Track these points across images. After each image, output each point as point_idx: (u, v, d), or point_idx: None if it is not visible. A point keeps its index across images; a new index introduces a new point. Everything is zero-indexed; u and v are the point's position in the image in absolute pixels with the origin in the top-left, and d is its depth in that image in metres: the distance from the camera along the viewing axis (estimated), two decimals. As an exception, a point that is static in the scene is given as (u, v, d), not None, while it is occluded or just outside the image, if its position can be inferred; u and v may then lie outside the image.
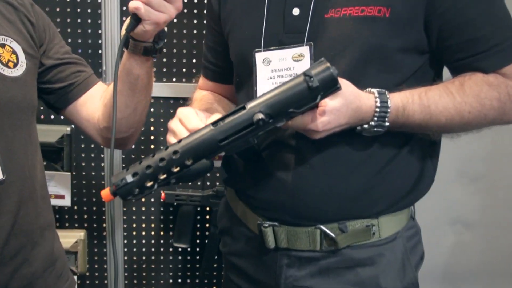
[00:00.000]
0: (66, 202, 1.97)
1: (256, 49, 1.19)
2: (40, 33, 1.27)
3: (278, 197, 1.20)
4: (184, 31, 1.99)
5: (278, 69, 1.18)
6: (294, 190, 1.18)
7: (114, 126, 1.10)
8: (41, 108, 2.00)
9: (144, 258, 2.16)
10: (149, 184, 1.00)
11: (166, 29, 1.19)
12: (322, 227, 1.19)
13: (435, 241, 2.13)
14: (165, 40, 1.21)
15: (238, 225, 1.34)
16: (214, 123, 0.99)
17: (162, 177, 1.00)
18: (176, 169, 0.99)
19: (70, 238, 2.00)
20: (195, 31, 1.99)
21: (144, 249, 2.16)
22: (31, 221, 1.21)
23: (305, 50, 1.15)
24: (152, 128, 2.05)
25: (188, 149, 0.99)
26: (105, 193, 1.01)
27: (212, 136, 0.99)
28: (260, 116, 0.97)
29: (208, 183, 2.10)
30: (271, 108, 0.98)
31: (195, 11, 1.98)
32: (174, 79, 2.03)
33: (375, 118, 1.09)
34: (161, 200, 2.07)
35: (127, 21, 1.14)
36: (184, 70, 2.02)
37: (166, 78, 2.02)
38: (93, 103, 1.33)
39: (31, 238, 1.21)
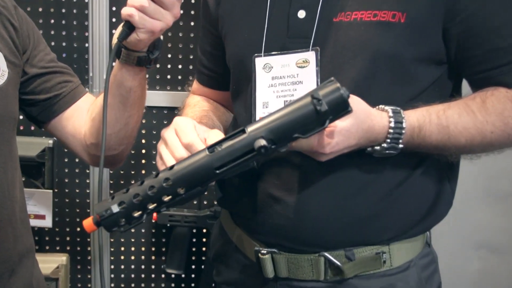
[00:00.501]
0: (47, 223, 1.97)
1: (256, 54, 1.20)
2: (24, 38, 1.28)
3: (277, 220, 1.20)
4: (180, 34, 2.00)
5: (280, 76, 1.18)
6: (296, 213, 1.18)
7: (103, 143, 1.08)
8: (20, 117, 2.01)
9: (133, 285, 2.16)
10: (137, 214, 0.99)
11: (162, 37, 1.20)
12: (326, 254, 1.19)
13: (458, 268, 2.13)
14: (161, 49, 1.22)
15: (234, 251, 1.34)
16: (210, 148, 0.99)
17: (152, 206, 0.99)
18: (167, 198, 0.99)
19: (50, 263, 2.00)
20: (192, 34, 2.01)
21: (133, 276, 2.16)
22: (8, 247, 1.20)
23: (310, 55, 1.15)
24: (143, 141, 2.06)
25: (181, 177, 0.98)
26: (88, 223, 1.00)
27: (208, 163, 0.98)
28: (263, 142, 0.96)
29: (205, 202, 2.10)
30: (274, 133, 0.97)
31: (192, 12, 2.00)
32: (169, 87, 2.04)
33: (388, 140, 1.09)
34: (153, 221, 2.06)
35: (119, 29, 1.14)
36: (179, 77, 2.03)
37: (159, 86, 2.03)
38: (80, 117, 1.33)
39: (9, 266, 1.21)
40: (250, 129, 0.98)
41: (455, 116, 1.13)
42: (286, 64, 1.17)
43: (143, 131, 2.05)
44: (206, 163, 0.98)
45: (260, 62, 1.19)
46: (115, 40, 1.15)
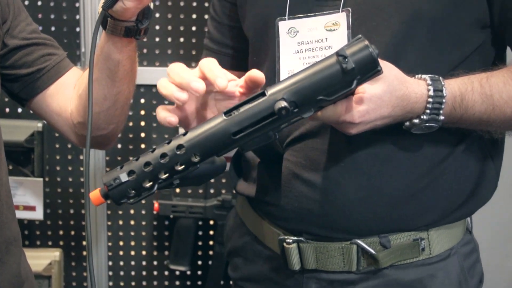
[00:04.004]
0: (38, 214, 1.97)
1: (279, 17, 1.19)
2: (3, 7, 1.27)
3: (305, 204, 1.20)
4: (181, 4, 1.99)
5: (307, 41, 1.17)
6: (325, 195, 1.18)
7: (90, 121, 1.08)
8: (6, 100, 2.00)
9: (133, 283, 2.16)
10: (148, 184, 1.00)
11: (152, 5, 1.20)
12: (359, 241, 1.19)
13: (495, 263, 2.12)
14: (151, 19, 1.21)
15: (253, 243, 1.34)
16: (227, 112, 0.99)
17: (164, 176, 0.99)
18: (180, 167, 0.99)
19: (42, 259, 2.00)
20: (194, 4, 1.99)
21: (133, 273, 2.16)
22: None
23: (341, 17, 1.14)
24: (142, 124, 2.05)
25: (195, 143, 0.99)
26: (95, 195, 1.01)
27: (225, 128, 0.98)
28: (283, 104, 0.96)
29: (212, 191, 2.10)
30: (297, 95, 0.97)
31: (195, -22, 1.99)
32: (169, 64, 2.01)
33: (428, 111, 1.08)
34: (154, 212, 2.06)
35: None
36: (181, 52, 2.02)
37: (159, 61, 2.02)
38: (66, 93, 1.33)
39: None
40: (270, 91, 0.98)
41: (500, 84, 1.12)
42: (314, 28, 1.16)
43: (142, 112, 2.04)
44: (222, 128, 0.98)
45: (284, 26, 1.18)
46: (99, 9, 1.15)
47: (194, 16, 2.00)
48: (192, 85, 1.01)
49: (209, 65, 1.04)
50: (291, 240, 1.22)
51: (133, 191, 1.00)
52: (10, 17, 1.29)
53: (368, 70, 0.98)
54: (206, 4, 1.98)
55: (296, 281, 1.26)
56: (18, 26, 1.30)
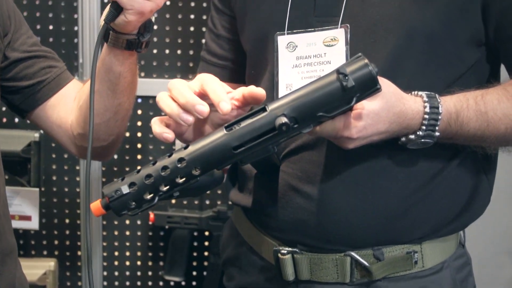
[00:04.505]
0: (33, 224, 1.98)
1: (278, 32, 1.20)
2: (5, 20, 1.28)
3: (300, 215, 1.21)
4: (179, 16, 2.01)
5: (305, 55, 1.18)
6: (320, 207, 1.19)
7: (91, 133, 1.10)
8: (3, 109, 2.01)
9: (128, 294, 2.17)
10: (149, 196, 1.01)
11: (153, 18, 1.21)
12: (353, 254, 1.20)
13: (489, 275, 2.12)
14: (152, 32, 1.22)
15: (248, 253, 1.34)
16: (228, 127, 1.00)
17: (164, 188, 1.01)
18: (181, 180, 1.01)
19: (37, 268, 2.01)
20: (192, 16, 2.01)
21: (128, 283, 2.16)
22: None
23: (339, 33, 1.16)
24: (139, 135, 2.06)
25: (196, 157, 1.00)
26: (95, 206, 1.03)
27: (226, 142, 1.00)
28: (284, 120, 0.98)
29: (207, 202, 2.11)
30: (297, 111, 0.99)
31: (192, -9, 2.00)
32: (167, 76, 2.05)
33: (424, 127, 1.10)
34: (150, 223, 2.07)
35: (106, 9, 1.15)
36: (178, 64, 2.04)
37: (156, 73, 2.04)
38: (66, 105, 1.34)
39: None
40: (271, 107, 1.00)
41: (494, 101, 1.14)
42: (312, 43, 1.17)
43: (139, 123, 2.05)
44: (223, 142, 1.00)
45: (283, 40, 1.20)
46: (102, 22, 1.16)
47: (191, 28, 2.01)
48: (197, 108, 1.02)
49: (213, 86, 1.05)
50: (285, 251, 1.23)
51: (133, 203, 1.01)
52: (11, 29, 1.30)
53: (367, 88, 0.99)
54: (204, 17, 2.00)
55: None
56: (19, 39, 1.31)
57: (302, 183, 1.20)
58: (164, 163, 1.01)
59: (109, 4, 1.14)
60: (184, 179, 1.00)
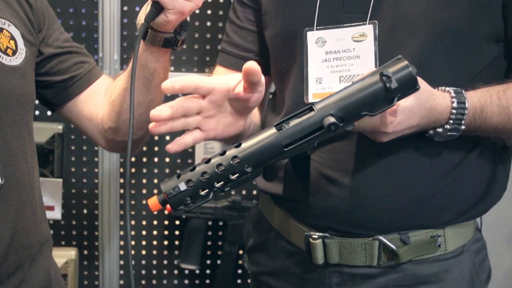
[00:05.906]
0: (56, 214, 2.01)
1: (307, 28, 1.25)
2: (39, 16, 1.32)
3: (331, 202, 1.26)
4: (196, 11, 2.01)
5: (334, 50, 1.23)
6: (351, 194, 1.24)
7: (131, 127, 1.13)
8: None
9: (144, 282, 2.20)
10: (204, 192, 1.07)
11: (189, 17, 1.24)
12: (381, 238, 1.25)
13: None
14: (188, 30, 1.26)
15: (276, 239, 1.39)
16: (278, 126, 1.06)
17: (218, 185, 1.07)
18: (234, 176, 1.07)
19: (59, 257, 2.00)
20: (209, 11, 2.04)
21: (144, 272, 2.19)
22: (30, 234, 1.25)
23: (368, 29, 1.21)
24: (156, 127, 2.09)
25: (249, 154, 1.06)
26: (153, 201, 1.08)
27: (277, 141, 1.06)
28: (332, 120, 1.04)
29: (222, 193, 2.13)
30: (343, 111, 1.05)
31: (221, -12, 2.02)
32: (184, 69, 2.07)
33: (451, 121, 1.16)
34: (166, 213, 2.10)
35: (146, 9, 1.19)
36: (195, 58, 2.07)
37: (173, 67, 2.06)
38: (97, 100, 1.38)
39: (30, 254, 1.25)
40: (318, 106, 1.05)
41: None
42: (341, 38, 1.22)
43: (156, 116, 2.08)
44: (274, 141, 1.06)
45: (312, 36, 1.24)
46: (140, 20, 1.20)
47: (208, 23, 2.04)
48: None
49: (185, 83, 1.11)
50: (317, 236, 1.28)
51: (189, 199, 1.07)
52: (45, 26, 1.33)
53: (408, 88, 1.06)
54: (221, 12, 2.03)
55: (319, 275, 1.31)
56: (52, 35, 1.35)
57: (334, 172, 1.25)
58: (219, 161, 1.06)
59: (149, 4, 1.17)
60: (237, 175, 1.06)
